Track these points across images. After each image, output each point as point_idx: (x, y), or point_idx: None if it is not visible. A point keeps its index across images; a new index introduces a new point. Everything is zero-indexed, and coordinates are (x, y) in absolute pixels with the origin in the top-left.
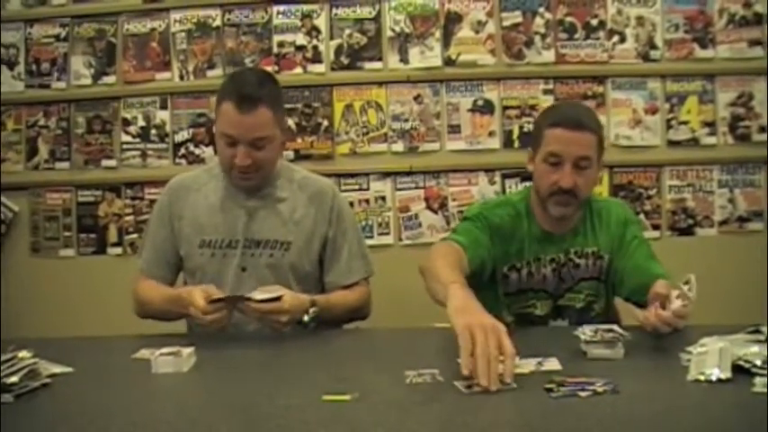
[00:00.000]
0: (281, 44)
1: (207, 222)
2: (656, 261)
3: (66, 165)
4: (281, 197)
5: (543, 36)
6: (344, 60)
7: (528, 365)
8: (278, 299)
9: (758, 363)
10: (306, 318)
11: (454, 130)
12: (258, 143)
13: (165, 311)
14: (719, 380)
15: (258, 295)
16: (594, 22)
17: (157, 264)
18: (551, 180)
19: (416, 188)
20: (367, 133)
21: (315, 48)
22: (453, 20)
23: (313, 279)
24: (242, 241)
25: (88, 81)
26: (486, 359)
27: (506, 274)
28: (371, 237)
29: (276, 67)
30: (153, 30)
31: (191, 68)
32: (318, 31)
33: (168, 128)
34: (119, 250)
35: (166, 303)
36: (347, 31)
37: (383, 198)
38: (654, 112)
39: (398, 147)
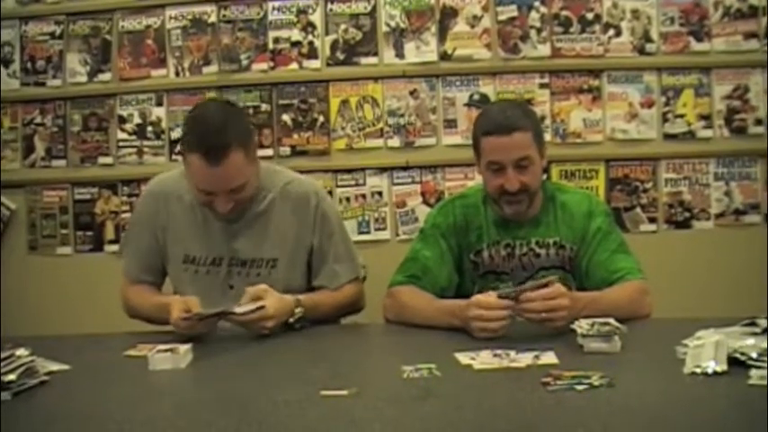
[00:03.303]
0: (276, 40)
1: (189, 238)
2: (623, 253)
3: (62, 162)
4: (263, 211)
5: (539, 30)
6: (340, 56)
7: (525, 359)
8: (261, 308)
9: (754, 355)
10: (291, 320)
11: (450, 124)
12: (236, 189)
13: (156, 318)
14: (715, 373)
15: (241, 309)
16: (590, 15)
17: (144, 270)
18: (497, 184)
19: (413, 183)
20: (363, 129)
21: (310, 43)
22: (449, 14)
23: (304, 288)
24: (227, 260)
25: (84, 78)
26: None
27: (474, 260)
28: (368, 232)
29: (272, 63)
30: (148, 27)
31: (186, 65)
32: (314, 27)
33: (164, 125)
34: (116, 248)
35: (153, 311)
36: (342, 27)
37: (380, 193)
38: (650, 105)
39: (395, 142)
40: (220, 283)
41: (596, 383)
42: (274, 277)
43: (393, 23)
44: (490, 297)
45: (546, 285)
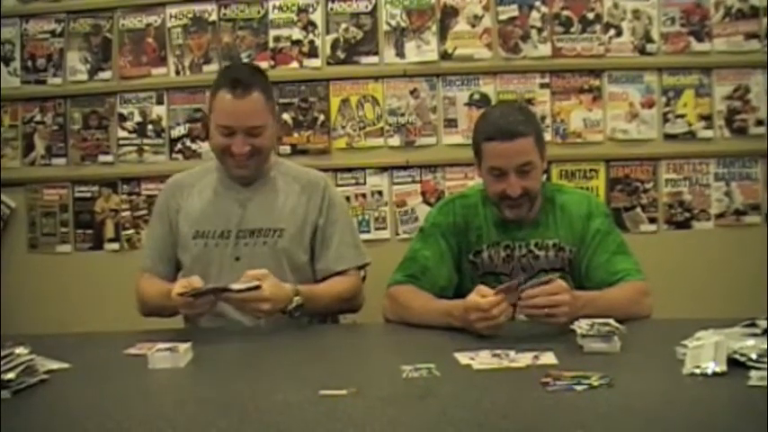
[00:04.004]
0: (277, 39)
1: (201, 214)
2: (623, 254)
3: (62, 161)
4: (275, 188)
5: (539, 30)
6: (341, 55)
7: (524, 359)
8: (257, 287)
9: (754, 356)
10: (290, 307)
11: (451, 124)
12: (254, 131)
13: (161, 307)
14: (715, 373)
15: (237, 285)
16: (591, 15)
17: (158, 260)
18: (499, 189)
19: (413, 182)
20: (363, 128)
21: (311, 42)
22: (449, 14)
23: (308, 270)
24: (235, 231)
25: (84, 77)
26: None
27: (473, 260)
28: (368, 231)
29: (272, 62)
30: (149, 25)
31: (187, 63)
32: (314, 26)
33: (164, 123)
34: (116, 246)
35: (161, 298)
36: (343, 26)
37: (380, 192)
38: (650, 105)
39: (395, 141)
40: (228, 255)
41: (596, 384)
42: (280, 246)
43: (394, 23)
44: (486, 297)
45: (547, 283)
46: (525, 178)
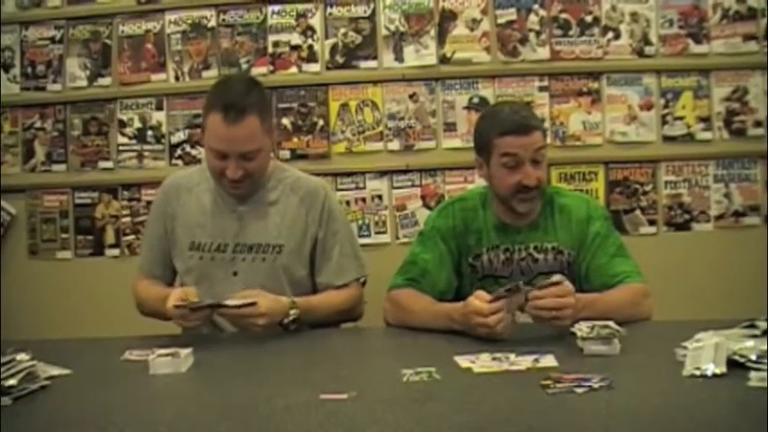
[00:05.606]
0: (276, 44)
1: (197, 225)
2: (622, 257)
3: (62, 167)
4: (273, 200)
5: (538, 33)
6: (340, 59)
7: (524, 362)
8: (252, 304)
9: (753, 357)
10: (286, 320)
11: (450, 127)
12: (248, 155)
13: (158, 311)
14: (715, 375)
15: (232, 302)
16: (589, 18)
17: (154, 262)
18: (514, 180)
19: (413, 186)
20: (363, 132)
21: (310, 47)
22: (448, 18)
23: (307, 283)
24: (232, 246)
25: (84, 83)
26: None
27: (473, 263)
28: (368, 236)
29: (271, 67)
30: (148, 31)
31: (186, 69)
32: (313, 31)
33: (164, 129)
34: (116, 252)
35: (155, 304)
36: (342, 30)
37: (380, 197)
38: (649, 107)
39: (394, 145)
40: (225, 269)
41: (596, 386)
42: (279, 263)
43: (392, 27)
44: (485, 304)
45: (553, 285)
46: (538, 168)
